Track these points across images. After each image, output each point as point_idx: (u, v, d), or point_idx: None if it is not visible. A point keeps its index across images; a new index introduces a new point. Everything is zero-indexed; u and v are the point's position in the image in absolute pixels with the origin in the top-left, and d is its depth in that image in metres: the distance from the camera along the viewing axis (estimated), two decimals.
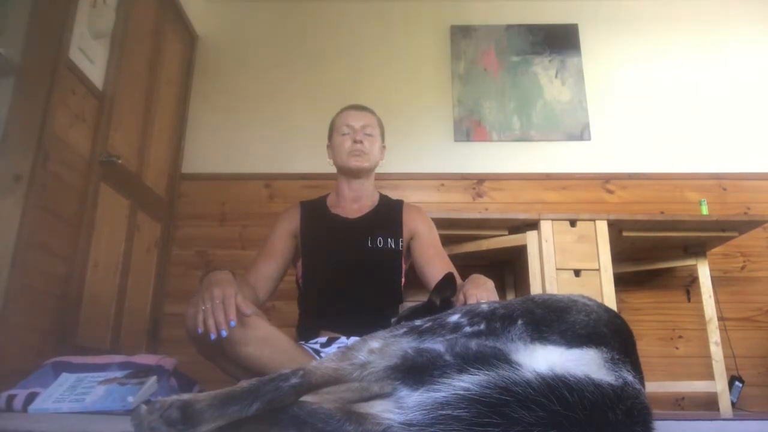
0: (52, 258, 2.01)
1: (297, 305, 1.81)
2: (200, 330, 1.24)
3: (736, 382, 2.67)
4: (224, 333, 1.23)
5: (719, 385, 2.45)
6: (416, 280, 1.79)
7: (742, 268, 3.02)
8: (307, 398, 0.72)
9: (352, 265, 1.69)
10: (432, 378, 0.68)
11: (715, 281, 2.76)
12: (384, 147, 1.90)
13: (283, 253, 1.76)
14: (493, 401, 0.62)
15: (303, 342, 1.62)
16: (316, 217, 1.81)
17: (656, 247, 2.71)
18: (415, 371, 0.69)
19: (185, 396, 0.68)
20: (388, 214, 1.82)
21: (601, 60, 3.40)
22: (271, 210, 3.02)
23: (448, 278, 1.39)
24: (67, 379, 1.59)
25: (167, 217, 3.00)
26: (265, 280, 1.70)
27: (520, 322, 0.74)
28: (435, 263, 1.72)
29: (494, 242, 2.52)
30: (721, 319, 2.69)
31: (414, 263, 1.79)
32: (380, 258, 1.73)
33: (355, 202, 1.83)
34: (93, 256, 2.23)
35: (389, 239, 1.74)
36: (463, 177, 3.19)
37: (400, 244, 1.76)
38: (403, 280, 1.78)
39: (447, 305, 1.33)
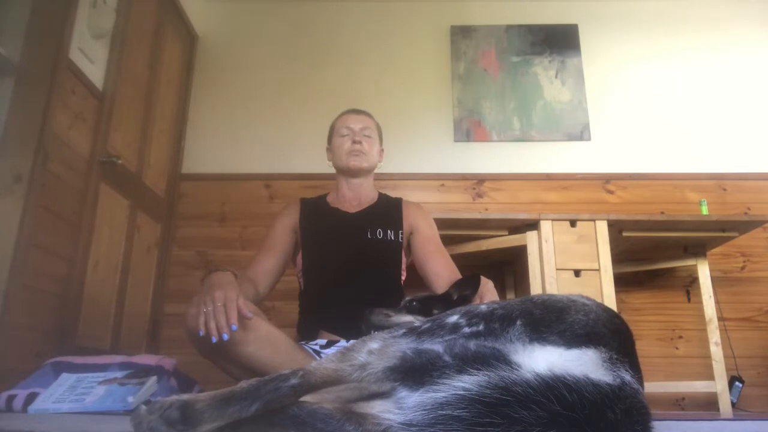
0: (52, 258, 2.01)
1: (297, 302, 1.81)
2: (201, 332, 1.24)
3: (736, 382, 2.67)
4: (225, 336, 1.24)
5: (719, 385, 2.45)
6: (417, 278, 1.79)
7: (742, 268, 3.02)
8: (306, 398, 0.72)
9: (352, 257, 1.70)
10: (431, 378, 0.68)
11: (715, 281, 2.77)
12: (382, 150, 1.92)
13: (282, 248, 1.77)
14: (493, 401, 0.63)
15: (303, 342, 1.62)
16: (316, 211, 1.83)
17: (656, 247, 2.71)
18: (415, 372, 0.69)
19: (185, 396, 0.68)
20: (388, 209, 1.84)
21: (601, 60, 3.40)
22: (271, 210, 3.02)
23: (474, 277, 1.41)
24: (67, 379, 1.59)
25: (167, 217, 3.00)
26: (265, 275, 1.70)
27: (518, 322, 0.74)
28: (436, 259, 1.72)
29: (494, 242, 2.53)
30: (721, 319, 2.69)
31: (414, 259, 1.79)
32: (380, 249, 1.73)
33: (354, 199, 1.85)
34: (93, 256, 2.23)
35: (389, 231, 1.75)
36: (463, 177, 3.19)
37: (400, 236, 1.77)
38: (403, 274, 1.78)
39: (463, 302, 1.35)
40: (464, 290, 1.39)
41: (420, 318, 1.29)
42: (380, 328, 1.27)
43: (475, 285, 1.41)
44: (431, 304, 1.36)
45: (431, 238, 1.79)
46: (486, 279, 1.49)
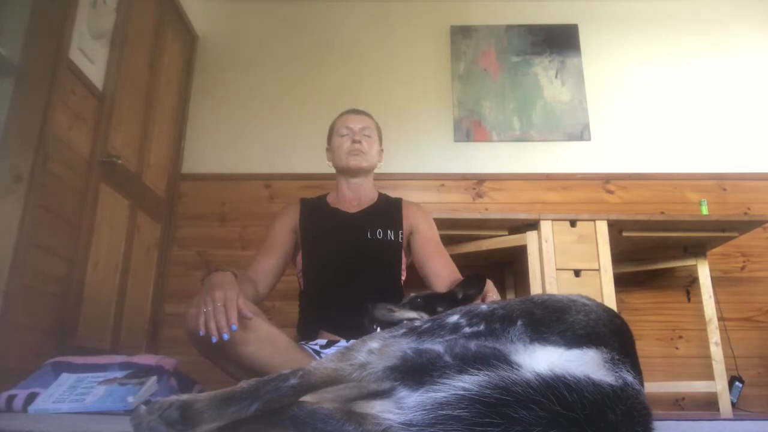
0: (52, 258, 2.01)
1: (297, 302, 1.81)
2: (201, 332, 1.24)
3: (736, 382, 2.67)
4: (225, 336, 1.24)
5: (719, 385, 2.45)
6: (417, 278, 1.79)
7: (742, 268, 3.02)
8: (306, 398, 0.72)
9: (351, 257, 1.70)
10: (432, 378, 0.68)
11: (715, 281, 2.77)
12: (382, 150, 1.92)
13: (283, 248, 1.77)
14: (493, 401, 0.62)
15: (303, 342, 1.62)
16: (316, 211, 1.83)
17: (656, 247, 2.71)
18: (415, 372, 0.69)
19: (185, 396, 0.68)
20: (388, 209, 1.84)
21: (601, 60, 3.40)
22: (271, 210, 3.02)
23: (478, 277, 1.41)
24: (67, 379, 1.59)
25: (167, 217, 3.00)
26: (265, 275, 1.70)
27: (519, 322, 0.74)
28: (436, 259, 1.72)
29: (494, 242, 2.52)
30: (721, 319, 2.69)
31: (414, 259, 1.79)
32: (380, 249, 1.73)
33: (354, 199, 1.85)
34: (93, 256, 2.23)
35: (389, 231, 1.75)
36: (464, 177, 3.19)
37: (400, 236, 1.77)
38: (403, 275, 1.78)
39: (467, 301, 1.35)
40: (469, 289, 1.39)
41: (423, 314, 1.29)
42: (383, 322, 1.27)
43: (480, 285, 1.41)
44: (435, 301, 1.36)
45: (431, 238, 1.79)
46: (487, 279, 1.49)
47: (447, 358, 0.69)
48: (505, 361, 0.67)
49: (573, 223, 2.43)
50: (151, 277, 2.82)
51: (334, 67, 3.38)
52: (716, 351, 2.52)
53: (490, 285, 1.47)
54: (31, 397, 1.50)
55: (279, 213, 1.86)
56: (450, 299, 1.39)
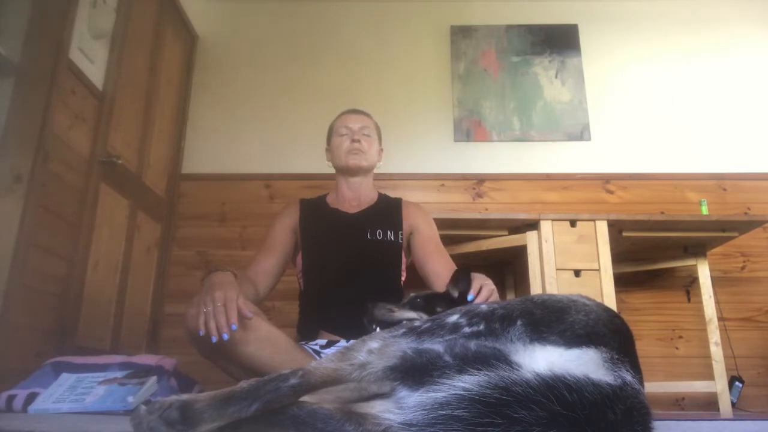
0: (52, 258, 2.01)
1: (297, 302, 1.81)
2: (201, 332, 1.24)
3: (736, 382, 2.67)
4: (225, 336, 1.24)
5: (719, 385, 2.45)
6: (417, 278, 1.79)
7: (742, 268, 3.02)
8: (306, 398, 0.72)
9: (351, 258, 1.70)
10: (432, 378, 0.68)
11: (715, 281, 2.77)
12: (381, 150, 1.92)
13: (282, 248, 1.77)
14: (493, 401, 0.63)
15: (303, 342, 1.62)
16: (316, 212, 1.83)
17: (656, 247, 2.71)
18: (415, 372, 0.69)
19: (185, 396, 0.68)
20: (388, 209, 1.84)
21: (601, 60, 3.40)
22: (271, 210, 3.02)
23: (464, 271, 1.41)
24: (67, 379, 1.59)
25: (167, 217, 3.00)
26: (265, 275, 1.70)
27: (519, 322, 0.74)
28: (435, 259, 1.72)
29: (494, 242, 2.53)
30: (721, 319, 2.69)
31: (414, 259, 1.79)
32: (380, 250, 1.73)
33: (354, 199, 1.85)
34: (93, 256, 2.23)
35: (389, 231, 1.75)
36: (464, 177, 3.19)
37: (400, 236, 1.77)
38: (403, 275, 1.78)
39: (464, 298, 1.35)
40: (461, 286, 1.39)
41: (423, 314, 1.29)
42: (383, 322, 1.27)
43: (467, 278, 1.41)
44: (435, 301, 1.36)
45: (431, 238, 1.79)
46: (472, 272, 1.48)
47: (447, 358, 0.69)
48: (505, 361, 0.67)
49: (573, 223, 2.43)
50: (151, 277, 2.82)
51: (334, 67, 3.38)
52: (716, 351, 2.52)
53: (477, 274, 1.47)
54: (31, 397, 1.50)
55: (279, 213, 1.86)
56: (448, 299, 1.39)
